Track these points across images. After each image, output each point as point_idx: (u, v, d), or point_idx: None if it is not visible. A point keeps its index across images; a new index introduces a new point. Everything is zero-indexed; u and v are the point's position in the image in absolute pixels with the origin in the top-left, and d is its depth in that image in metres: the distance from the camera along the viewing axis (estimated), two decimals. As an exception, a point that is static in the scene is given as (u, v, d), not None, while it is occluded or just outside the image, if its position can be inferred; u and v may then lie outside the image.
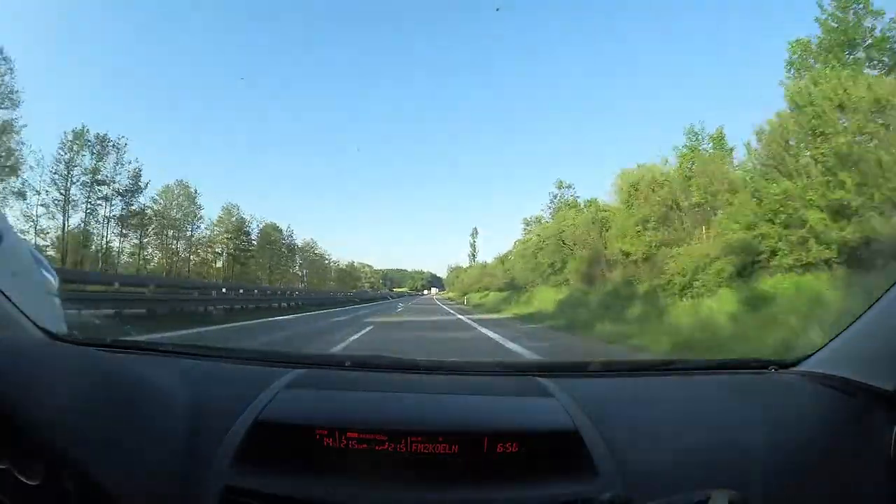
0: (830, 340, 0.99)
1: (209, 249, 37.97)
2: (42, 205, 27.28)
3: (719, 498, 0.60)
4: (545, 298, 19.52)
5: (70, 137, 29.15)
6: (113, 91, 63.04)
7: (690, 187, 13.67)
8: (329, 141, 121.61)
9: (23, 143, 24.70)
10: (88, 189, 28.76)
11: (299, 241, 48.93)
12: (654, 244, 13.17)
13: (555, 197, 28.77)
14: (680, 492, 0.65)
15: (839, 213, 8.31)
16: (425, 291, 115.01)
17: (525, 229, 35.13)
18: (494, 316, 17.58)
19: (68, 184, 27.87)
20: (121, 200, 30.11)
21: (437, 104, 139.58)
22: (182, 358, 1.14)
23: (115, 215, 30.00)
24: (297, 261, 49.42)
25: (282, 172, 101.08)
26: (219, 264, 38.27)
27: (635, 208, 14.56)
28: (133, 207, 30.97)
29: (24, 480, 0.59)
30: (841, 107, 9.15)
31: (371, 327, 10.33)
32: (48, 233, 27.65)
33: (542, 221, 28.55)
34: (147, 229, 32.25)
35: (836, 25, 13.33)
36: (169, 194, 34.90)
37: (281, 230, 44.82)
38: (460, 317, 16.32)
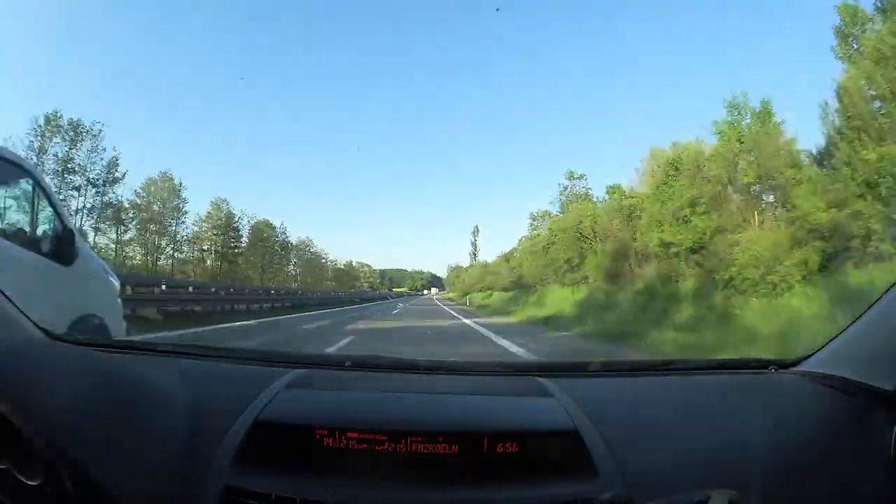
0: (830, 340, 0.98)
1: (195, 246, 35.52)
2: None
3: (719, 498, 0.61)
4: (559, 299, 17.21)
5: (41, 122, 26.74)
6: (113, 91, 62.18)
7: (740, 165, 11.44)
8: (329, 141, 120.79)
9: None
10: (60, 179, 26.47)
11: (294, 239, 46.79)
12: (708, 231, 10.67)
13: (564, 189, 26.39)
14: (680, 492, 0.66)
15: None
16: (425, 291, 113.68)
17: (531, 225, 32.84)
18: (505, 320, 15.37)
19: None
20: (94, 191, 27.74)
21: (437, 104, 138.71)
22: (182, 358, 1.14)
23: (86, 207, 27.55)
24: (293, 260, 47.21)
25: (282, 172, 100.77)
26: (208, 263, 35.87)
27: (676, 191, 12.29)
28: (108, 199, 28.45)
29: (24, 480, 0.60)
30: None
31: (350, 339, 8.07)
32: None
33: (551, 215, 26.24)
34: (126, 224, 30.01)
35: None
36: (152, 187, 32.63)
37: (274, 227, 42.51)
38: (466, 321, 14.15)
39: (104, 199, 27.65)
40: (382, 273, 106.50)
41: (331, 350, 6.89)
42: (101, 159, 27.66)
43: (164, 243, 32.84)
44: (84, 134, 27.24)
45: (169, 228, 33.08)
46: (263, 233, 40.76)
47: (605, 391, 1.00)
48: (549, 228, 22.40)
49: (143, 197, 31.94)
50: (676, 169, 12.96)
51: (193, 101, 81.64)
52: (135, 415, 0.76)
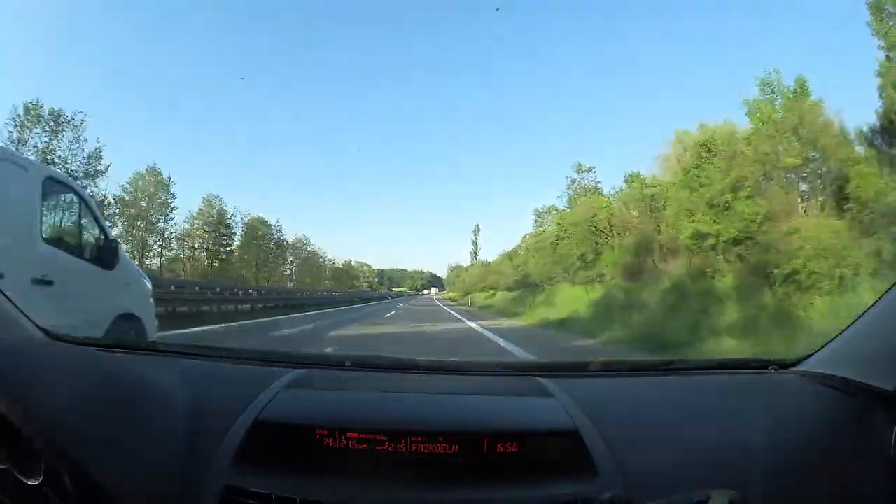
0: (830, 340, 0.98)
1: (185, 244, 33.81)
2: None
3: (719, 498, 0.60)
4: (570, 298, 15.58)
5: (21, 112, 25.23)
6: (113, 91, 62.45)
7: (782, 146, 9.99)
8: (329, 141, 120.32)
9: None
10: (39, 171, 24.96)
11: (290, 238, 45.23)
12: (757, 219, 9.07)
13: (573, 182, 24.83)
14: (680, 492, 0.65)
15: None
16: (425, 291, 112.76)
17: (536, 221, 31.33)
18: (514, 323, 13.79)
19: (15, 165, 24.21)
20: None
21: (437, 104, 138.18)
22: (182, 358, 1.14)
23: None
24: (289, 259, 45.69)
25: (281, 172, 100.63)
26: (193, 262, 34.18)
27: (711, 175, 10.81)
28: (90, 193, 27.04)
29: (24, 480, 0.60)
30: None
31: (328, 350, 6.54)
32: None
33: (558, 210, 24.63)
34: (111, 219, 28.50)
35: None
36: (140, 182, 31.14)
37: (269, 224, 40.88)
38: (471, 324, 12.47)
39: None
40: (381, 273, 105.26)
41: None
42: (83, 150, 26.10)
43: (151, 240, 31.36)
44: (66, 124, 25.66)
45: (157, 225, 31.65)
46: (258, 230, 39.23)
47: (605, 391, 1.00)
48: (558, 223, 20.48)
49: (131, 192, 30.46)
50: (709, 151, 11.45)
51: (193, 101, 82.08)
52: (135, 415, 0.77)
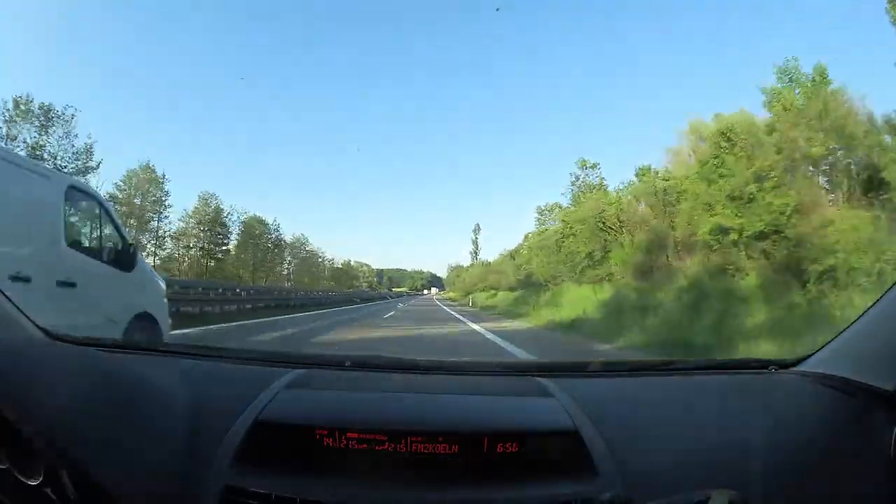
0: (830, 340, 0.98)
1: (179, 243, 33.09)
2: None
3: (719, 498, 0.60)
4: (577, 298, 14.83)
5: (10, 107, 24.54)
6: (113, 91, 63.33)
7: (806, 135, 9.34)
8: (329, 141, 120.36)
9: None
10: (29, 168, 24.29)
11: (288, 237, 44.55)
12: (787, 211, 8.32)
13: (576, 179, 24.13)
14: (680, 492, 0.65)
15: None
16: (425, 291, 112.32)
17: (538, 219, 30.66)
18: (519, 325, 13.01)
19: (4, 161, 23.55)
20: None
21: (437, 104, 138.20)
22: (182, 358, 1.14)
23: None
24: (286, 258, 45.00)
25: (281, 172, 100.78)
26: (186, 261, 33.47)
27: (732, 165, 10.13)
28: (85, 191, 26.39)
29: (24, 480, 0.59)
30: None
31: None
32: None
33: (562, 208, 23.91)
34: (103, 217, 27.79)
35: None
36: (133, 179, 30.45)
37: (266, 223, 40.23)
38: (474, 326, 11.64)
39: (76, 190, 25.58)
40: (380, 272, 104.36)
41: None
42: (73, 146, 25.44)
43: (144, 239, 30.69)
44: (56, 119, 24.98)
45: (150, 223, 31.00)
46: (255, 229, 38.60)
47: (605, 391, 1.00)
48: (563, 220, 19.56)
49: (124, 190, 29.83)
50: (729, 140, 10.77)
51: (193, 101, 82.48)
52: (135, 415, 0.76)
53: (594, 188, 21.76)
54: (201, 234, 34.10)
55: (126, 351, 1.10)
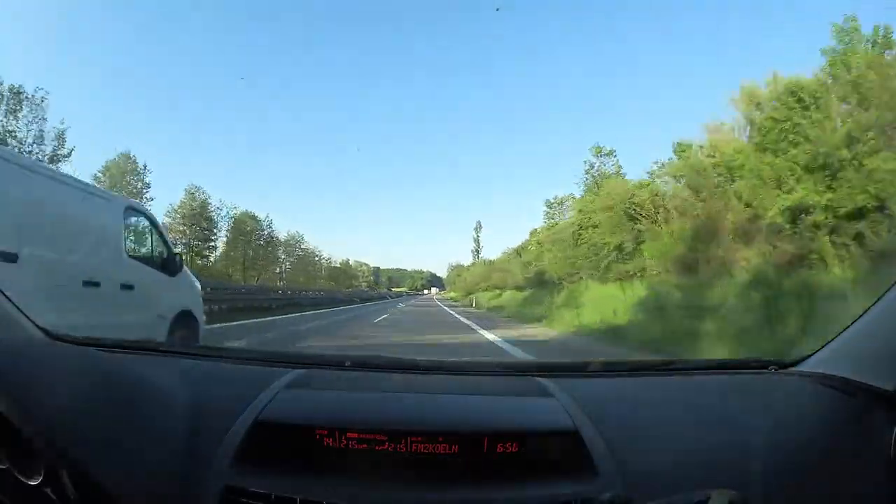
0: (830, 340, 0.98)
1: (163, 239, 31.09)
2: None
3: (719, 498, 0.60)
4: (602, 298, 12.58)
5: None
6: (113, 91, 63.99)
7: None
8: (329, 141, 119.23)
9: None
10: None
11: (283, 234, 42.31)
12: None
13: (591, 167, 21.98)
14: (680, 492, 0.65)
15: None
16: (425, 291, 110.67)
17: (547, 213, 28.52)
18: (542, 332, 10.72)
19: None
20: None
21: (437, 104, 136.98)
22: (182, 358, 1.14)
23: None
24: (281, 256, 42.82)
25: (282, 172, 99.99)
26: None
27: (811, 129, 8.03)
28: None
29: (24, 480, 0.59)
30: None
31: None
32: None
33: (575, 198, 21.67)
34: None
35: None
36: (113, 170, 28.33)
37: (258, 220, 38.02)
38: (489, 336, 9.32)
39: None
40: (376, 271, 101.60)
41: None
42: (41, 130, 23.34)
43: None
44: (25, 102, 22.84)
45: (130, 217, 28.84)
46: (246, 226, 36.42)
47: (605, 391, 0.99)
48: (580, 210, 17.08)
49: (103, 182, 27.74)
50: (800, 101, 8.68)
51: (193, 101, 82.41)
52: (135, 415, 0.76)
53: (609, 177, 19.60)
54: (187, 231, 31.93)
55: (126, 351, 1.09)
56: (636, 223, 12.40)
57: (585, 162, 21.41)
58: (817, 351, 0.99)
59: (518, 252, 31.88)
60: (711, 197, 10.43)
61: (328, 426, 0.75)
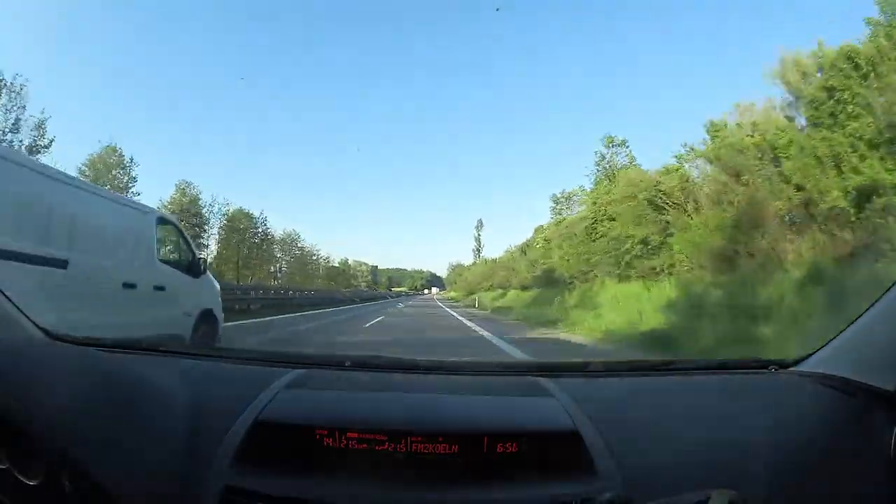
0: (830, 340, 0.97)
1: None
2: None
3: (719, 498, 0.60)
4: (622, 297, 11.45)
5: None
6: (113, 91, 63.63)
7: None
8: (329, 141, 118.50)
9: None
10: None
11: (279, 233, 40.95)
12: None
13: (602, 158, 20.70)
14: (680, 492, 0.65)
15: None
16: (426, 291, 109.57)
17: (554, 209, 27.25)
18: (567, 339, 9.10)
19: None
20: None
21: (437, 104, 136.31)
22: (182, 358, 1.13)
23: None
24: (276, 255, 41.48)
25: (282, 172, 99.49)
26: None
27: (875, 98, 6.83)
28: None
29: (24, 480, 0.59)
30: None
31: None
32: None
33: (584, 191, 20.34)
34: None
35: None
36: (99, 165, 27.03)
37: (252, 217, 36.70)
38: (506, 346, 7.52)
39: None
40: (374, 270, 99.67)
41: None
42: (18, 118, 22.08)
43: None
44: (3, 90, 21.56)
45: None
46: (240, 223, 35.13)
47: (605, 391, 0.99)
48: (594, 202, 15.50)
49: (87, 175, 26.49)
50: (857, 68, 7.48)
51: (193, 101, 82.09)
52: (135, 415, 0.76)
53: (622, 169, 18.35)
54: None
55: (126, 351, 1.09)
56: (662, 213, 11.14)
57: (596, 153, 20.05)
58: (817, 351, 0.99)
59: (523, 250, 30.46)
60: (754, 181, 9.20)
61: (328, 426, 0.75)
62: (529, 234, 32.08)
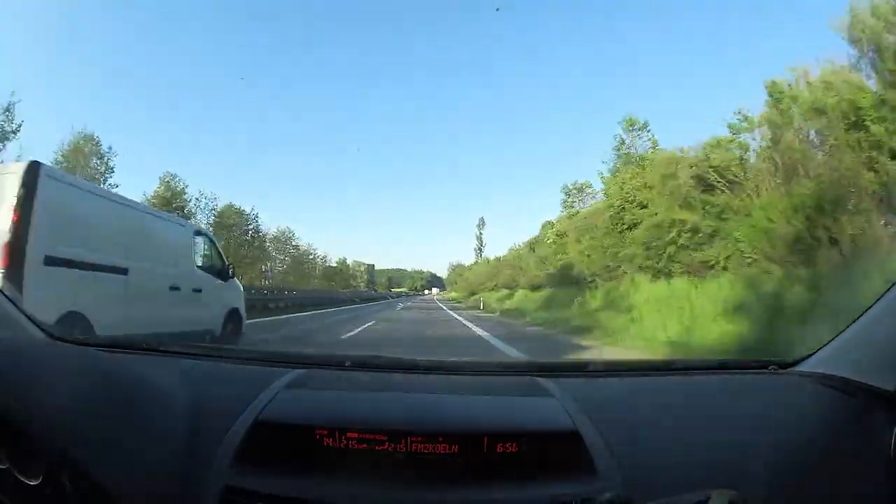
0: (830, 340, 0.97)
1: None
2: None
3: (719, 498, 0.60)
4: (665, 298, 9.40)
5: None
6: (113, 91, 64.12)
7: None
8: (329, 141, 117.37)
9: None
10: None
11: (273, 230, 39.01)
12: None
13: (622, 143, 18.63)
14: (680, 492, 0.65)
15: None
16: (426, 291, 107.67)
17: (565, 202, 25.21)
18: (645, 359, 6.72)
19: None
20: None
21: (437, 104, 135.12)
22: (182, 358, 1.13)
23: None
24: (272, 253, 39.51)
25: (282, 172, 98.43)
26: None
27: None
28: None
29: (24, 480, 0.59)
30: None
31: None
32: None
33: (604, 178, 18.12)
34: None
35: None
36: (71, 154, 25.07)
37: (243, 213, 34.68)
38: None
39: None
40: (370, 269, 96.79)
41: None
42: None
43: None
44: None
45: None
46: (230, 220, 33.14)
47: (605, 391, 0.98)
48: (621, 187, 13.03)
49: (64, 165, 24.52)
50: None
51: (193, 101, 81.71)
52: (135, 415, 0.75)
53: (633, 158, 16.33)
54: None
55: (126, 351, 1.09)
56: (713, 194, 9.12)
57: (616, 136, 18.02)
58: (817, 351, 0.99)
59: (531, 246, 28.12)
60: (839, 148, 7.21)
61: (328, 426, 0.75)
62: (532, 233, 30.13)
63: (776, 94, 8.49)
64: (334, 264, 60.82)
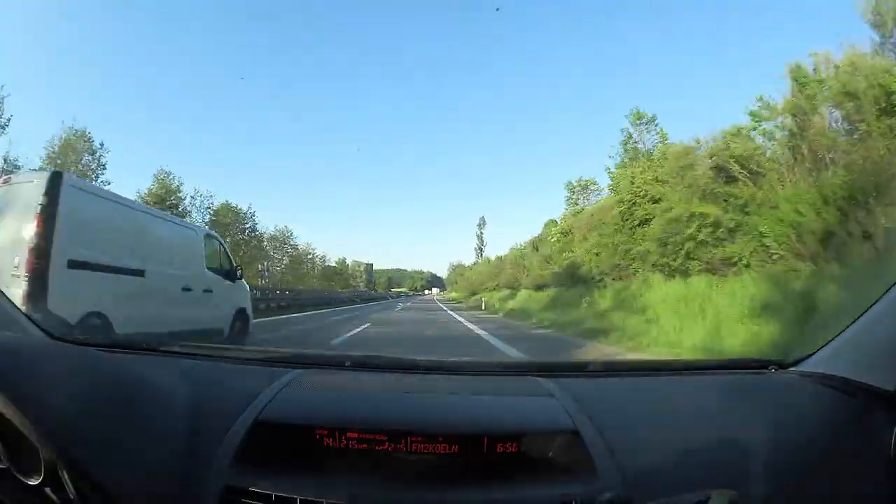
0: (830, 340, 0.97)
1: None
2: None
3: (719, 498, 0.60)
4: (682, 298, 8.75)
5: None
6: (113, 91, 64.01)
7: None
8: (328, 140, 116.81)
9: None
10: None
11: (271, 229, 38.31)
12: None
13: (629, 137, 18.11)
14: (680, 492, 0.65)
15: None
16: (426, 291, 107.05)
17: (569, 199, 24.65)
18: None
19: None
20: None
21: (438, 103, 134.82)
22: (182, 358, 1.13)
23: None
24: (270, 253, 38.89)
25: (281, 172, 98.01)
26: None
27: None
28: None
29: (24, 480, 0.59)
30: None
31: None
32: None
33: (612, 173, 17.57)
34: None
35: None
36: (69, 152, 24.46)
37: (239, 212, 34.05)
38: None
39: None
40: (369, 269, 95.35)
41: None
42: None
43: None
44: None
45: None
46: (225, 218, 32.52)
47: (605, 391, 0.99)
48: (632, 181, 12.24)
49: (56, 161, 23.92)
50: None
51: (193, 100, 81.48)
52: (135, 415, 0.76)
53: (640, 155, 15.80)
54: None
55: (126, 351, 1.09)
56: (734, 186, 8.54)
57: (623, 131, 17.50)
58: (817, 351, 0.99)
59: (535, 245, 27.53)
60: (873, 134, 6.65)
61: (328, 426, 0.75)
62: (533, 233, 29.51)
63: (800, 79, 7.92)
64: (333, 264, 60.23)
